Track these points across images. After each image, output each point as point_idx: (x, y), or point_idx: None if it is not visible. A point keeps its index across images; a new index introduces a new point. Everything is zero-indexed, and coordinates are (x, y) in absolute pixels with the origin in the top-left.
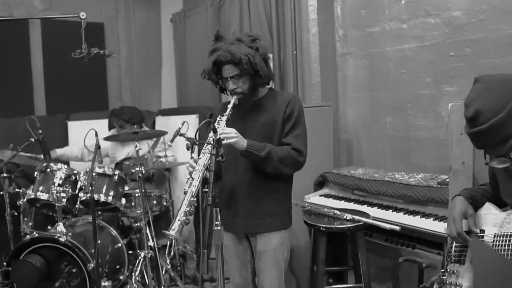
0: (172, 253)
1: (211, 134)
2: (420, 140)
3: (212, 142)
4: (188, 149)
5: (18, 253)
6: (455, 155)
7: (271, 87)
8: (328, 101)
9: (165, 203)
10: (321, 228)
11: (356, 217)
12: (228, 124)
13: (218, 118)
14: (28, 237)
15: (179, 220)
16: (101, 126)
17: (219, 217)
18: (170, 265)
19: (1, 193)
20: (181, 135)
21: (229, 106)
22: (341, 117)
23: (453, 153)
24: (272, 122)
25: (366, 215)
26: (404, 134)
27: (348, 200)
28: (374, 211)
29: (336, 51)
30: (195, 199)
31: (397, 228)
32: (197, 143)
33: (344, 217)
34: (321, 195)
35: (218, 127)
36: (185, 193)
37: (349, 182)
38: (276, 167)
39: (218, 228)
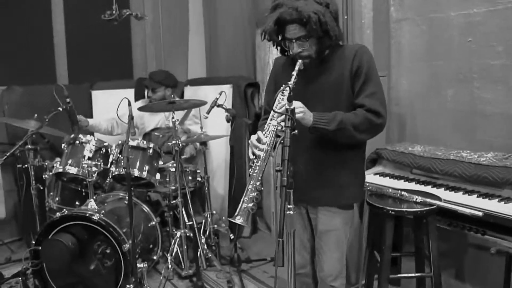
0: (207, 232)
1: (282, 103)
2: (487, 115)
3: (287, 113)
4: (228, 121)
5: (48, 232)
6: None
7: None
8: (381, 71)
9: (199, 179)
10: (390, 212)
11: (428, 200)
12: (292, 90)
13: (282, 88)
14: (58, 214)
15: (245, 207)
16: (127, 95)
17: (292, 201)
18: (205, 245)
19: (26, 165)
20: (218, 106)
21: (294, 74)
22: (393, 89)
23: None
24: (338, 81)
25: (437, 198)
26: (468, 108)
27: (407, 179)
28: (441, 193)
29: (390, 16)
30: (261, 183)
31: (480, 213)
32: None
33: (413, 199)
34: (375, 174)
35: (282, 98)
36: (250, 176)
37: (407, 160)
38: (352, 136)
39: (291, 213)
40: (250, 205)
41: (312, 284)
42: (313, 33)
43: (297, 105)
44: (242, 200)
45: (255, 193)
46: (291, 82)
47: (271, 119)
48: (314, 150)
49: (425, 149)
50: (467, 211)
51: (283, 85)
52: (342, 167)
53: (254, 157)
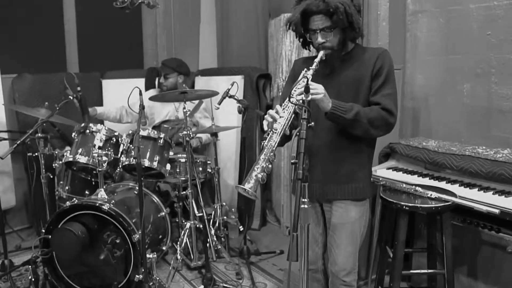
0: (217, 224)
1: (302, 84)
2: (505, 111)
3: (304, 104)
4: (240, 112)
5: (58, 220)
6: None
7: (357, 42)
8: (397, 64)
9: (210, 170)
10: (404, 207)
11: (443, 196)
12: (312, 80)
13: (303, 72)
14: (68, 203)
15: (255, 175)
16: (137, 85)
17: (307, 194)
18: (215, 236)
19: (36, 154)
20: (230, 96)
21: (316, 61)
22: (407, 83)
23: None
24: (359, 78)
25: (452, 194)
26: (485, 104)
27: (421, 174)
28: (455, 189)
29: (406, 8)
30: (274, 155)
31: (496, 211)
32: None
33: (428, 195)
34: (388, 168)
35: (303, 82)
36: (262, 148)
37: (422, 155)
38: (365, 130)
39: (305, 206)
40: (260, 175)
41: (323, 279)
42: (339, 24)
43: (319, 86)
44: (252, 168)
45: (268, 164)
46: (312, 67)
47: (290, 97)
48: (330, 146)
49: (439, 144)
50: (484, 208)
51: (304, 70)
52: (356, 163)
53: (269, 129)
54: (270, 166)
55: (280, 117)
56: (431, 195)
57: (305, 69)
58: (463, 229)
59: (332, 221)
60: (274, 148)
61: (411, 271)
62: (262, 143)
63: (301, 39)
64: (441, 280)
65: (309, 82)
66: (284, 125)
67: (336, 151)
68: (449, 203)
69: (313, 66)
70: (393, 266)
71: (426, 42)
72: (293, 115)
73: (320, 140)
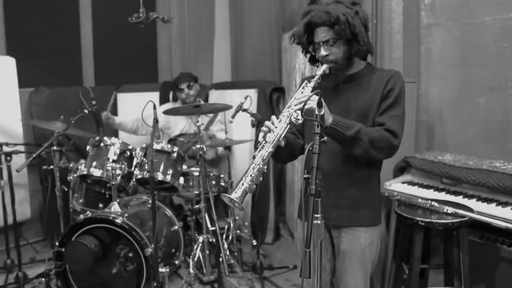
0: (230, 238)
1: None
2: None
3: (317, 119)
4: (253, 126)
5: (71, 233)
6: None
7: (369, 62)
8: (410, 77)
9: (223, 184)
10: (419, 222)
11: (460, 211)
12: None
13: (303, 84)
14: (81, 216)
15: (243, 185)
16: (152, 99)
17: (319, 209)
18: (228, 251)
19: (51, 167)
20: (244, 110)
21: (318, 73)
22: (422, 96)
23: None
24: (369, 100)
25: (469, 209)
26: (502, 117)
27: (437, 189)
28: (473, 204)
29: (420, 21)
30: (266, 167)
31: None
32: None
33: (444, 210)
34: (403, 182)
35: (302, 92)
36: (254, 157)
37: (437, 169)
38: (366, 150)
39: (318, 222)
40: (248, 185)
41: None
42: (341, 34)
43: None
44: (241, 177)
45: (258, 175)
46: (313, 79)
47: (288, 107)
48: (336, 171)
49: (455, 158)
50: (503, 224)
51: (305, 82)
52: (364, 188)
53: (263, 139)
54: (260, 178)
55: (275, 127)
56: (447, 210)
57: (306, 81)
58: (481, 245)
59: (341, 248)
60: (265, 159)
61: None
62: (254, 153)
63: (307, 55)
64: None
65: (307, 92)
66: (278, 135)
67: (343, 176)
68: (466, 218)
69: (315, 79)
70: (408, 282)
71: (441, 55)
72: (288, 126)
73: (326, 164)
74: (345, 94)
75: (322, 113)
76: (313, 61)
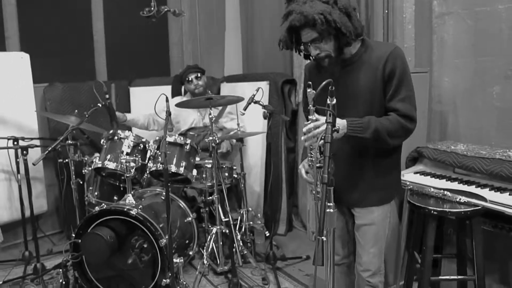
0: (243, 229)
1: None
2: None
3: (329, 108)
4: (265, 118)
5: (87, 225)
6: None
7: (363, 38)
8: (423, 67)
9: (236, 176)
10: (432, 212)
11: (473, 200)
12: (318, 96)
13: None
14: (97, 208)
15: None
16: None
17: (332, 198)
18: (241, 242)
19: (67, 160)
20: (255, 102)
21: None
22: (434, 86)
23: None
24: (370, 86)
25: (482, 198)
26: None
27: (449, 179)
28: (486, 194)
29: (432, 11)
30: None
31: None
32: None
33: (457, 199)
34: (416, 172)
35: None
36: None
37: (450, 159)
38: (385, 143)
39: (331, 210)
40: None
41: (353, 275)
42: (324, 34)
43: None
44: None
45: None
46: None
47: (310, 154)
48: (353, 155)
49: (468, 148)
50: None
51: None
52: (381, 171)
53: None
54: None
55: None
56: (460, 199)
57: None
58: (495, 235)
59: (356, 223)
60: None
61: (440, 277)
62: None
63: (301, 54)
64: (472, 287)
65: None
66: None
67: (358, 159)
68: (479, 207)
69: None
70: (421, 272)
71: (454, 44)
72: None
73: (341, 148)
74: (348, 79)
75: (334, 102)
76: (307, 56)
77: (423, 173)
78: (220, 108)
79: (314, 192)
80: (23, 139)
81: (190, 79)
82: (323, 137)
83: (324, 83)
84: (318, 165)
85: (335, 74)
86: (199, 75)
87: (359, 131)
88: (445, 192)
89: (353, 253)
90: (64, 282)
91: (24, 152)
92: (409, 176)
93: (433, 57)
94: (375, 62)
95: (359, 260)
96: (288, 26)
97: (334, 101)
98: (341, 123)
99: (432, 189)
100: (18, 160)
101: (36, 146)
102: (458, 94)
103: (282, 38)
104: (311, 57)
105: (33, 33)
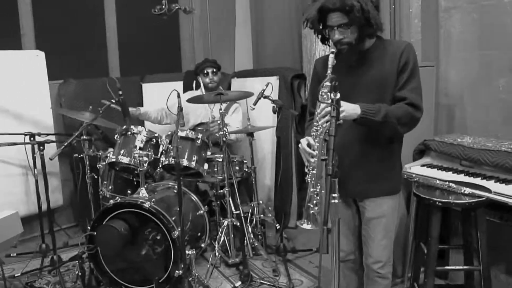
0: (254, 222)
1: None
2: None
3: (332, 103)
4: (274, 113)
5: (102, 218)
6: None
7: (378, 36)
8: (429, 61)
9: (246, 169)
10: (436, 203)
11: (477, 192)
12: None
13: (320, 91)
14: (111, 202)
15: (311, 212)
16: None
17: (337, 189)
18: (252, 234)
19: (81, 155)
20: (265, 97)
21: (330, 65)
22: (441, 79)
23: None
24: (384, 76)
25: (487, 190)
26: None
27: (456, 171)
28: (491, 185)
29: (438, 5)
30: (320, 187)
31: None
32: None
33: (461, 191)
34: (422, 165)
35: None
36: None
37: (456, 151)
38: (394, 129)
39: (336, 201)
40: (316, 209)
41: (360, 270)
42: (355, 21)
43: (345, 105)
44: (306, 206)
45: (317, 197)
46: (327, 79)
47: (317, 126)
48: (358, 146)
49: (475, 140)
50: None
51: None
52: (386, 161)
53: (308, 165)
54: (319, 198)
55: (313, 149)
56: (464, 191)
57: (321, 88)
58: (501, 226)
59: (366, 216)
60: (318, 182)
61: (446, 267)
62: (306, 178)
63: (319, 36)
64: (478, 277)
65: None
66: (319, 157)
67: (366, 151)
68: (483, 198)
69: (329, 71)
70: (426, 262)
71: (460, 38)
72: (324, 143)
73: (349, 140)
74: (361, 70)
75: (338, 97)
76: (324, 40)
77: (430, 166)
78: (226, 104)
79: (310, 168)
80: (39, 135)
81: (206, 72)
82: (334, 115)
83: (327, 78)
84: (322, 158)
85: (351, 62)
86: (215, 70)
87: (371, 114)
88: (450, 183)
89: (358, 249)
90: (80, 274)
91: (41, 147)
92: (416, 168)
93: (440, 51)
94: (390, 56)
95: (370, 252)
96: (319, 7)
97: (338, 95)
98: (354, 106)
99: (437, 181)
100: (34, 155)
101: (52, 141)
102: (465, 87)
103: (310, 17)
104: (326, 42)
105: (48, 31)
